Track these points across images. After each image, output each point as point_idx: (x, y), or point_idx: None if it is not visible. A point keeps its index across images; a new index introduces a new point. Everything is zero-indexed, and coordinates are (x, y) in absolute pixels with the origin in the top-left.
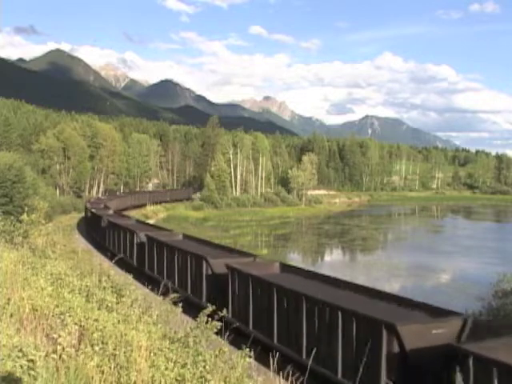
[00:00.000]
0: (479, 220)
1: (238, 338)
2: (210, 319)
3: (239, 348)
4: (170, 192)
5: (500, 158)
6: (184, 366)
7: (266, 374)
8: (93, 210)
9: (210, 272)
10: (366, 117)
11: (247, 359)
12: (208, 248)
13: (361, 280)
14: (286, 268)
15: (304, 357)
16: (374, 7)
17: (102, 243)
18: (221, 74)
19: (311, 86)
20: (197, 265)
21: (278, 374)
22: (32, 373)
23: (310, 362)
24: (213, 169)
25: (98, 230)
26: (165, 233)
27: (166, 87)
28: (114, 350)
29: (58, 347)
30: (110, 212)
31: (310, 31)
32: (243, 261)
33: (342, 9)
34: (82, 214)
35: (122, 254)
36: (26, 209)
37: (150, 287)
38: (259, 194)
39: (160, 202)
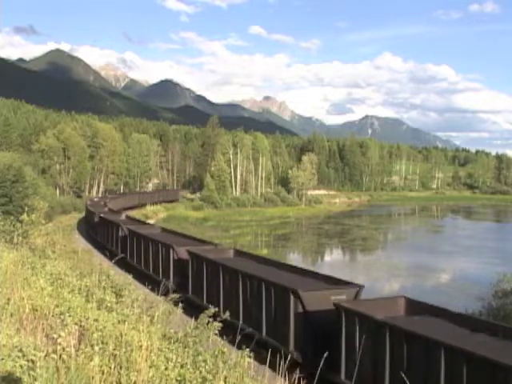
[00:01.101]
0: (479, 220)
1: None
2: (210, 320)
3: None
4: (158, 193)
5: (500, 158)
6: (184, 366)
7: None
8: (102, 216)
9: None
10: (366, 117)
11: (247, 359)
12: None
13: (360, 280)
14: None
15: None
16: (373, 7)
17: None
18: (220, 74)
19: (311, 86)
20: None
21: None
22: (32, 373)
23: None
24: (213, 169)
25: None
26: (209, 247)
27: (166, 87)
28: (114, 349)
29: (58, 347)
30: (123, 217)
31: (310, 31)
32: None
33: (342, 9)
34: (82, 214)
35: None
36: (26, 209)
37: (150, 287)
38: (259, 194)
39: (151, 204)
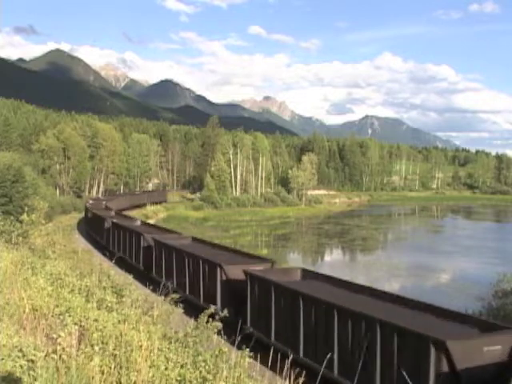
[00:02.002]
0: (479, 220)
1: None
2: (210, 319)
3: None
4: (146, 195)
5: (500, 158)
6: (184, 366)
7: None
8: (114, 221)
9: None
10: (366, 117)
11: (247, 359)
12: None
13: (360, 280)
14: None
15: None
16: (373, 7)
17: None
18: (220, 74)
19: (311, 86)
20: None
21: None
22: (32, 373)
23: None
24: (213, 169)
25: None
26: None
27: (166, 87)
28: (114, 349)
29: (58, 347)
30: (138, 223)
31: (310, 31)
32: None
33: (342, 9)
34: (82, 214)
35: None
36: (26, 209)
37: (151, 287)
38: (259, 194)
39: (141, 206)
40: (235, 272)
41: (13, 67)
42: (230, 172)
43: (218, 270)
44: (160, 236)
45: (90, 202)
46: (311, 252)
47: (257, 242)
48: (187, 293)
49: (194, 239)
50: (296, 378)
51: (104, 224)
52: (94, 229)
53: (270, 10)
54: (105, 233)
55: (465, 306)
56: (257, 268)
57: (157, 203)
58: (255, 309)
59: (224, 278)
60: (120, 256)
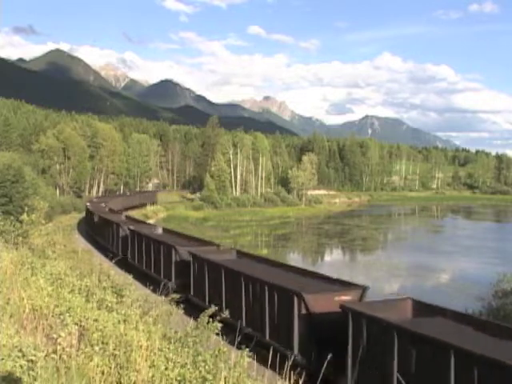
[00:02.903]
0: (479, 220)
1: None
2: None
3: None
4: (140, 195)
5: (500, 158)
6: (184, 365)
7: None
8: (131, 228)
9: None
10: (366, 117)
11: (247, 359)
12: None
13: (360, 280)
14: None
15: (244, 324)
16: (373, 7)
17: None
18: (220, 73)
19: (311, 86)
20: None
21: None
22: (32, 373)
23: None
24: (213, 169)
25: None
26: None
27: (166, 87)
28: (114, 350)
29: (58, 347)
30: (159, 231)
31: (309, 31)
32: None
33: (341, 9)
34: (82, 214)
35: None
36: (26, 209)
37: (151, 287)
38: (259, 194)
39: (133, 208)
40: (320, 304)
41: (13, 67)
42: (230, 172)
43: (296, 300)
44: (197, 249)
45: (88, 204)
46: (311, 252)
47: (257, 242)
48: (244, 324)
49: (239, 253)
50: (296, 379)
51: (118, 231)
52: (103, 235)
53: (269, 9)
54: (121, 242)
55: (465, 306)
56: (347, 298)
57: (143, 206)
58: (363, 361)
59: (304, 311)
60: (143, 271)
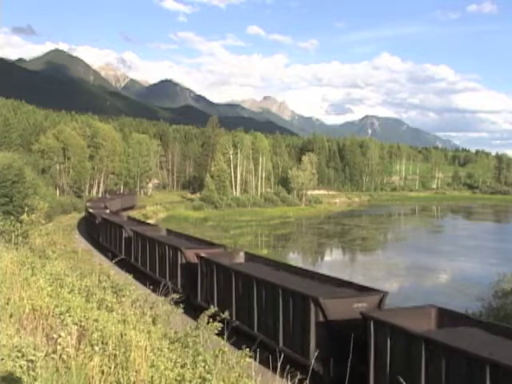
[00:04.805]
0: (479, 220)
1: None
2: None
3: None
4: (122, 198)
5: (500, 158)
6: (184, 365)
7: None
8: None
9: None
10: (366, 117)
11: (247, 359)
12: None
13: (360, 280)
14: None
15: (256, 330)
16: (371, 7)
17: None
18: (219, 74)
19: (310, 86)
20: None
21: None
22: (32, 373)
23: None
24: (213, 169)
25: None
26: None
27: (166, 87)
28: (114, 349)
29: (58, 347)
30: (163, 232)
31: (308, 31)
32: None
33: (340, 9)
34: (82, 214)
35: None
36: (26, 209)
37: (151, 287)
38: (259, 194)
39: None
40: (338, 310)
41: (13, 67)
42: (230, 172)
43: (312, 306)
44: (204, 251)
45: (88, 204)
46: (311, 252)
47: (257, 242)
48: (256, 330)
49: (248, 254)
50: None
51: (122, 232)
52: (107, 238)
53: (267, 10)
54: (124, 244)
55: (465, 306)
56: (364, 305)
57: (124, 209)
58: (385, 373)
59: (321, 317)
60: (148, 274)
